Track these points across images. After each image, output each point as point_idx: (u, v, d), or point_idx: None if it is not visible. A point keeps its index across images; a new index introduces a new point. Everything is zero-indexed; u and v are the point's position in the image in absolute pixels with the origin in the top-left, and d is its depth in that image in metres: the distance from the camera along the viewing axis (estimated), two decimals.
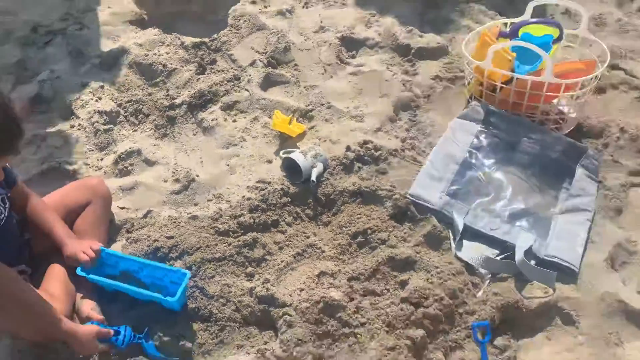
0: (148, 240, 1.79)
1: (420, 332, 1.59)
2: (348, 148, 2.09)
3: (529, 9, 2.27)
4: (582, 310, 1.68)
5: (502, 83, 2.10)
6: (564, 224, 1.88)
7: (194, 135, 2.23)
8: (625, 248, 1.85)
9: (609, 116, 2.28)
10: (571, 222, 1.88)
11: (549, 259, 1.78)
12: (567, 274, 1.76)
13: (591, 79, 2.06)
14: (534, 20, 2.18)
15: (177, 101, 2.30)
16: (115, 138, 2.18)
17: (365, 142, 2.10)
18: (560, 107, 2.25)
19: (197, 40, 2.54)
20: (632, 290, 1.75)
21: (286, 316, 1.63)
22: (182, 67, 2.44)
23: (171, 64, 2.43)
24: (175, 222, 1.87)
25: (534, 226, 1.88)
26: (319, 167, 1.99)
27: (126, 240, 1.82)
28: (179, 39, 2.55)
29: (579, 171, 2.02)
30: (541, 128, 2.13)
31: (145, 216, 1.90)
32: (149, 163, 2.10)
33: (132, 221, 1.88)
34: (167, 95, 2.33)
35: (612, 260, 1.82)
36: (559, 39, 2.15)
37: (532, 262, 1.76)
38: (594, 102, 2.33)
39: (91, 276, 1.62)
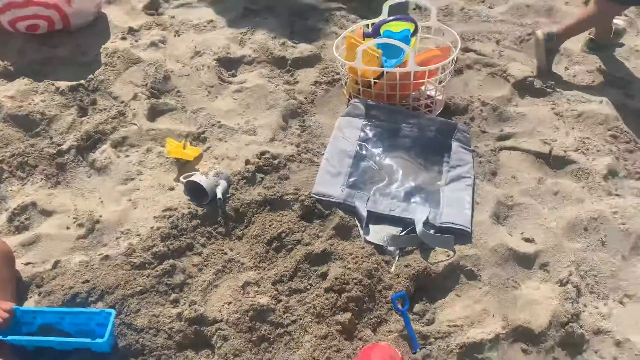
0: (63, 289, 1.75)
1: (347, 316, 1.71)
2: (247, 161, 2.17)
3: (385, 9, 2.47)
4: (481, 264, 1.89)
5: (374, 78, 2.29)
6: (451, 192, 2.09)
7: (89, 177, 2.18)
8: (505, 204, 2.11)
9: (470, 93, 2.57)
10: (456, 190, 2.10)
11: (444, 225, 1.97)
12: (462, 236, 1.96)
13: (449, 62, 2.31)
14: (391, 18, 2.38)
15: (64, 147, 2.24)
16: (4, 195, 2.08)
17: (263, 153, 2.19)
18: (428, 92, 2.50)
19: (73, 83, 2.48)
20: (518, 238, 2.00)
21: (219, 331, 1.68)
22: (62, 112, 2.38)
23: (49, 110, 2.36)
24: (87, 266, 1.83)
25: (427, 200, 2.07)
26: (223, 184, 2.04)
27: (39, 295, 1.76)
28: (53, 84, 2.48)
29: (454, 145, 2.25)
30: (416, 113, 2.35)
31: (54, 267, 1.84)
32: (47, 214, 2.03)
33: (40, 275, 1.82)
34: (52, 142, 2.26)
35: (497, 216, 2.06)
36: (415, 32, 2.39)
37: (431, 231, 1.95)
38: (455, 83, 2.61)
39: (8, 338, 1.55)
